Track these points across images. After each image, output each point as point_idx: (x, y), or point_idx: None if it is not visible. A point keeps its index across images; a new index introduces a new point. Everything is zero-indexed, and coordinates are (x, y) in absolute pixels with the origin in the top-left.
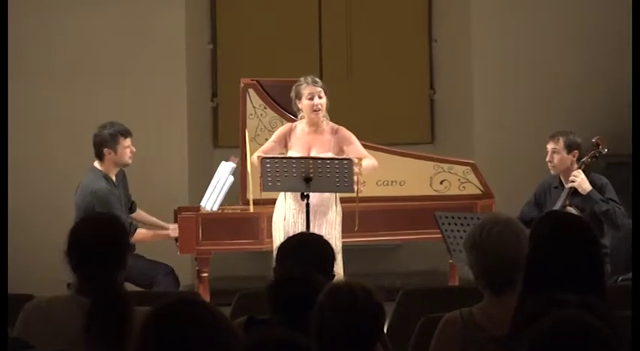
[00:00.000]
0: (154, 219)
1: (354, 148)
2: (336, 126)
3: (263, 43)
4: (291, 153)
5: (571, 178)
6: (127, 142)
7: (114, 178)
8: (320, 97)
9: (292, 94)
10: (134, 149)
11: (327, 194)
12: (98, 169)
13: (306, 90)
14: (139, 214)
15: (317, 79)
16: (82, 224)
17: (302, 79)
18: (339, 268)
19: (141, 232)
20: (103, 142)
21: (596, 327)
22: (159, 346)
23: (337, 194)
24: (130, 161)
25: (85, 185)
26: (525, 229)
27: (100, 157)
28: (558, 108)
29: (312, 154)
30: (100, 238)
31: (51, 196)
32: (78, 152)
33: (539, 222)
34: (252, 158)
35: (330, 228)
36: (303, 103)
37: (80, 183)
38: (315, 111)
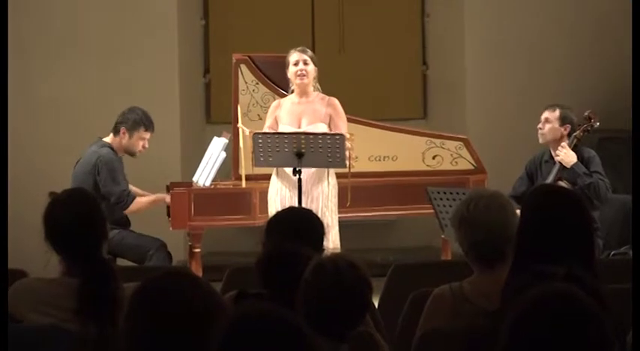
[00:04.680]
0: (145, 194)
1: (336, 124)
2: (327, 97)
3: (255, 18)
4: (282, 126)
5: (557, 152)
6: (146, 135)
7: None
8: (306, 64)
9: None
10: (147, 146)
11: (319, 168)
12: (106, 142)
13: (292, 57)
14: (130, 189)
15: (306, 49)
16: (54, 206)
17: (291, 50)
18: (336, 242)
19: (138, 201)
20: (125, 122)
21: (581, 299)
22: (148, 319)
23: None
24: (137, 153)
25: (92, 152)
26: (513, 202)
27: (115, 132)
28: (551, 83)
29: (303, 124)
30: (74, 215)
31: (42, 171)
32: (68, 128)
33: (530, 195)
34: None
35: (326, 201)
36: (290, 71)
37: (84, 154)
38: (299, 75)
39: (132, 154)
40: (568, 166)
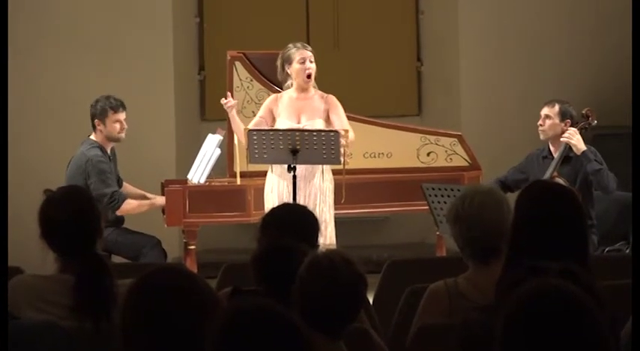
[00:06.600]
0: (139, 191)
1: (338, 118)
2: (324, 94)
3: (249, 15)
4: (281, 121)
5: (566, 135)
6: (117, 116)
7: (108, 151)
8: (311, 62)
9: (279, 61)
10: (125, 125)
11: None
12: (93, 141)
13: (297, 54)
14: (125, 187)
15: (306, 44)
16: (49, 204)
17: (290, 45)
18: (332, 238)
19: (129, 203)
20: (94, 115)
21: (575, 294)
22: (144, 316)
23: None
24: (121, 136)
25: (81, 154)
26: (505, 196)
27: (94, 128)
28: (546, 80)
29: (303, 120)
30: (69, 213)
31: (39, 169)
32: (64, 126)
33: (524, 191)
34: (240, 138)
35: (323, 196)
36: (294, 68)
37: (72, 156)
38: (308, 75)
39: (116, 140)
40: (579, 153)
